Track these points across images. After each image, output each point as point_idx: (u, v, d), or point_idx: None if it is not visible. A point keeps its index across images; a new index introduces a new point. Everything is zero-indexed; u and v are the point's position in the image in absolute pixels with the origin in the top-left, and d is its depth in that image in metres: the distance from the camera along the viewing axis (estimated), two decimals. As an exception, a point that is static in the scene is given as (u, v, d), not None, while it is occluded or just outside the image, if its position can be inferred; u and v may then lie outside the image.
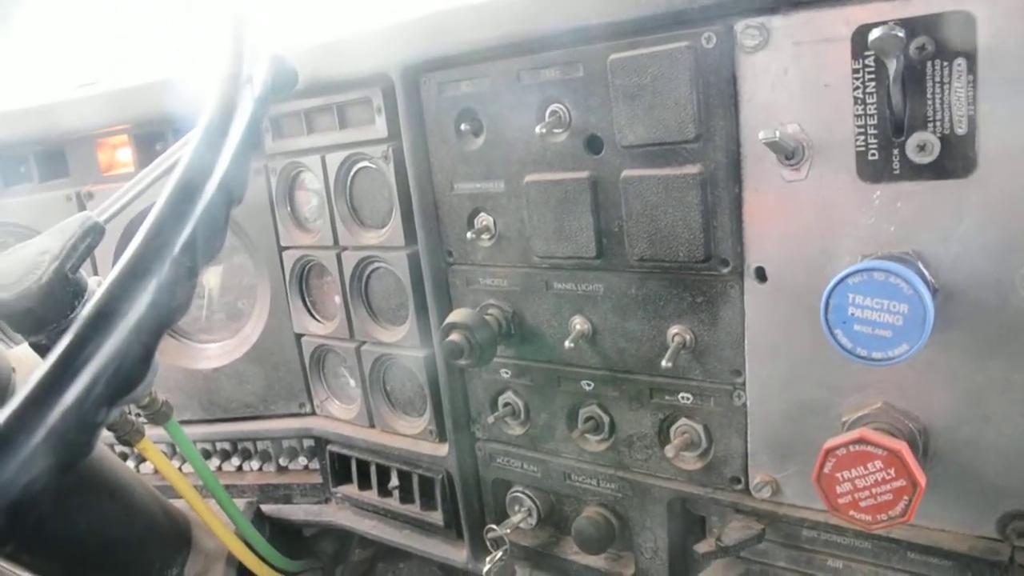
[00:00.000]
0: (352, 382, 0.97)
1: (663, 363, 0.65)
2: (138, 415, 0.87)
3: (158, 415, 0.85)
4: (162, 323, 0.35)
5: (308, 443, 1.03)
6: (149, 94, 0.95)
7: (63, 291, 0.60)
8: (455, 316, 0.74)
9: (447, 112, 0.75)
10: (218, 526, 0.88)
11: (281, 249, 0.95)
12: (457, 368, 0.82)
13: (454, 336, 0.72)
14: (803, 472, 0.64)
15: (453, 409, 0.84)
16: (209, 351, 1.02)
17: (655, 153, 0.63)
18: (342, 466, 1.00)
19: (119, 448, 1.05)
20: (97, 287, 0.64)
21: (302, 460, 1.04)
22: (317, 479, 1.04)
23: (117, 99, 0.97)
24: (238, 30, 0.50)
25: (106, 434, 0.86)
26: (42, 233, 0.64)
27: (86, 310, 0.34)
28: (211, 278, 1.04)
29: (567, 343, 0.71)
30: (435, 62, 0.74)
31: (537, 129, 0.66)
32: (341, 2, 0.90)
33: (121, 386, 0.33)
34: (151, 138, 1.00)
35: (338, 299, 0.94)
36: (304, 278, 0.95)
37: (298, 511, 1.04)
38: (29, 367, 0.66)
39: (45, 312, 0.59)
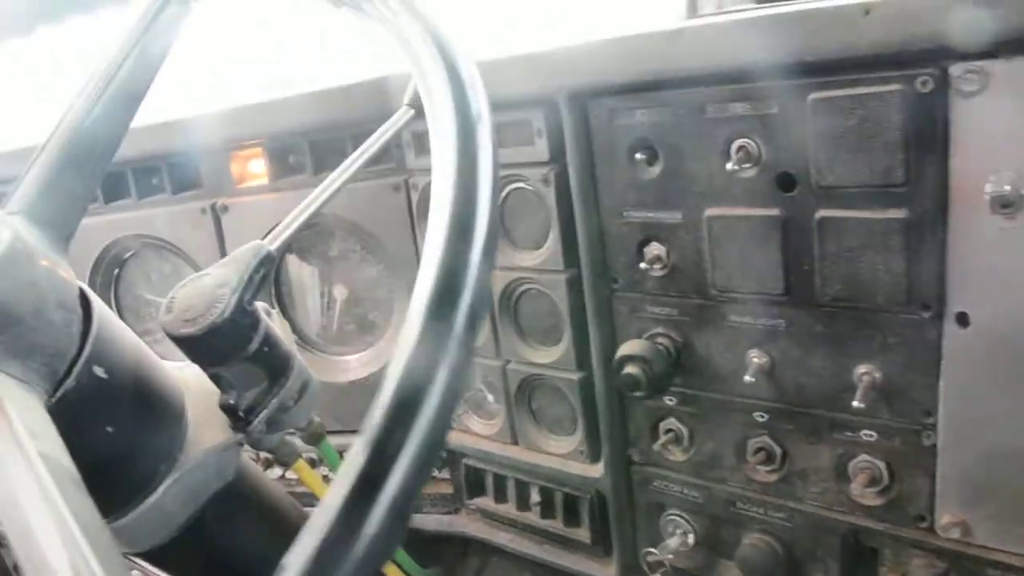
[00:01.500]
0: (490, 397, 1.01)
1: (855, 403, 0.68)
2: (292, 434, 0.91)
3: (314, 436, 0.89)
4: (453, 408, 0.37)
5: (439, 453, 1.07)
6: (287, 108, 0.99)
7: (243, 323, 0.63)
8: (630, 348, 0.77)
9: (619, 140, 0.77)
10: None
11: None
12: (619, 394, 0.85)
13: (631, 369, 0.76)
14: (999, 515, 0.66)
15: (610, 432, 0.87)
16: (345, 363, 1.07)
17: (856, 195, 0.65)
18: (476, 479, 1.05)
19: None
20: (265, 315, 0.67)
21: (434, 471, 1.08)
22: (447, 489, 1.09)
23: (255, 113, 1.01)
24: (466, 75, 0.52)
25: (261, 454, 0.91)
26: (218, 263, 0.67)
27: (384, 399, 0.36)
28: (340, 289, 1.08)
29: (747, 377, 0.74)
30: (608, 88, 0.76)
31: (729, 166, 0.69)
32: (501, 23, 0.92)
33: (425, 476, 0.35)
34: (284, 151, 1.04)
35: (479, 315, 0.97)
36: (444, 294, 0.99)
37: (430, 521, 1.09)
38: (199, 392, 0.69)
39: (227, 345, 0.63)
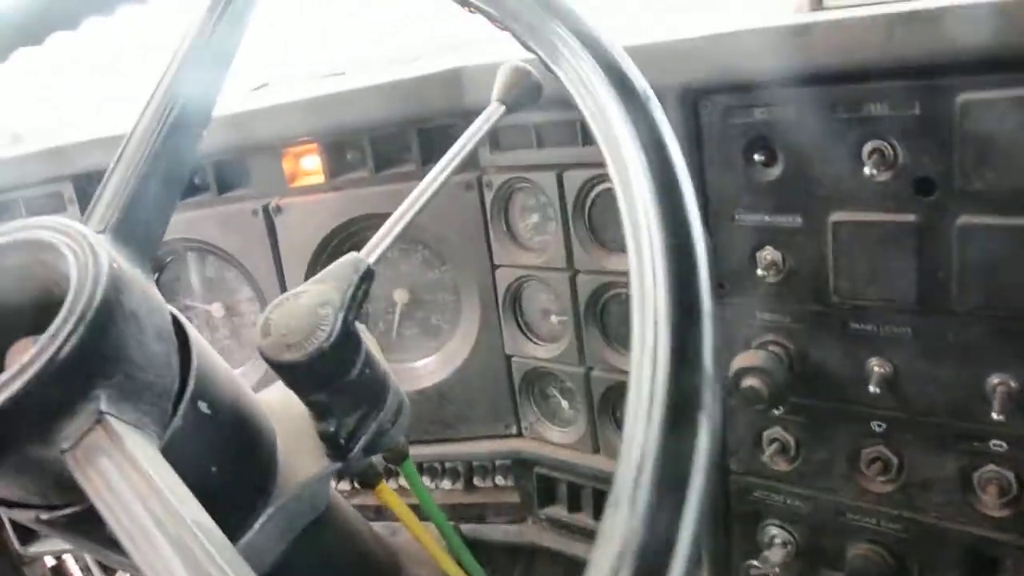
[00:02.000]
0: (565, 404, 0.99)
1: (995, 415, 0.66)
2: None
3: (398, 455, 0.86)
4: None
5: (502, 462, 1.05)
6: (346, 103, 0.94)
7: (348, 346, 0.60)
8: (748, 360, 0.75)
9: (733, 139, 0.74)
10: (449, 565, 0.90)
11: (494, 267, 0.95)
12: (720, 403, 0.83)
13: (752, 381, 0.74)
14: None
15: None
16: (410, 371, 1.03)
17: (1005, 200, 0.63)
18: (547, 488, 1.03)
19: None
20: (363, 335, 0.63)
21: (498, 480, 1.06)
22: (513, 498, 1.06)
23: (310, 108, 0.96)
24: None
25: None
26: (313, 279, 0.63)
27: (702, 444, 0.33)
28: (400, 293, 1.04)
29: (872, 388, 0.72)
30: (723, 85, 0.74)
31: (867, 170, 0.66)
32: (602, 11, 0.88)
33: None
34: (341, 147, 0.99)
35: (555, 319, 0.95)
36: (517, 297, 0.96)
37: (497, 531, 1.07)
38: (286, 418, 0.65)
39: (332, 370, 0.60)
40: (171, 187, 0.64)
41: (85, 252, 0.48)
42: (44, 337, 0.42)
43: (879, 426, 0.76)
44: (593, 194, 0.86)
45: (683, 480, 0.32)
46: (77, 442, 0.45)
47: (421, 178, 0.95)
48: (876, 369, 0.73)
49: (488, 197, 0.93)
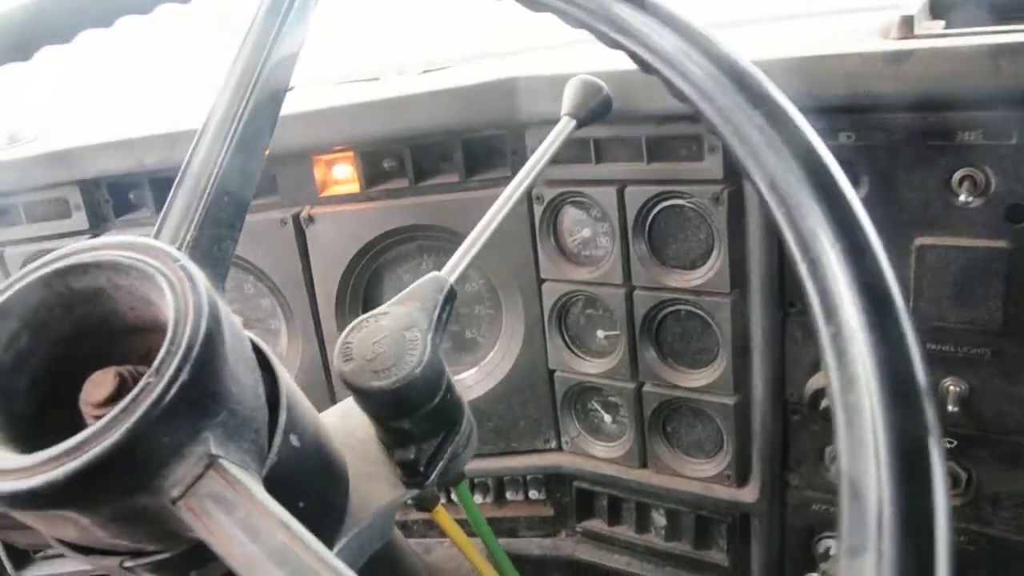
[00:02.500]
0: (608, 419, 0.98)
1: (1077, 435, 0.69)
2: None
3: (457, 477, 0.84)
4: None
5: (534, 476, 1.04)
6: (387, 110, 0.92)
7: (435, 371, 0.58)
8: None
9: (815, 162, 0.75)
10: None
11: (540, 281, 0.94)
12: (781, 418, 0.84)
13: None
14: None
15: (767, 457, 0.86)
16: (448, 386, 1.01)
17: (1098, 229, 0.65)
18: (584, 501, 1.02)
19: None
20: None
21: (532, 493, 1.05)
22: (546, 512, 1.06)
23: (348, 115, 0.93)
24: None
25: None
26: (394, 301, 0.61)
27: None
28: (434, 304, 1.01)
29: (950, 407, 0.74)
30: (806, 108, 0.74)
31: (962, 198, 0.68)
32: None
33: None
34: (378, 156, 0.96)
35: (602, 334, 0.94)
36: (564, 312, 0.95)
37: (530, 545, 1.06)
38: (351, 444, 0.64)
39: (420, 397, 0.58)
40: (242, 200, 0.62)
41: (180, 277, 0.46)
42: (148, 375, 0.40)
43: (950, 443, 0.78)
44: (655, 211, 0.85)
45: (929, 522, 0.32)
46: (188, 489, 0.42)
47: (464, 190, 0.95)
48: (951, 388, 0.75)
49: (538, 211, 0.91)
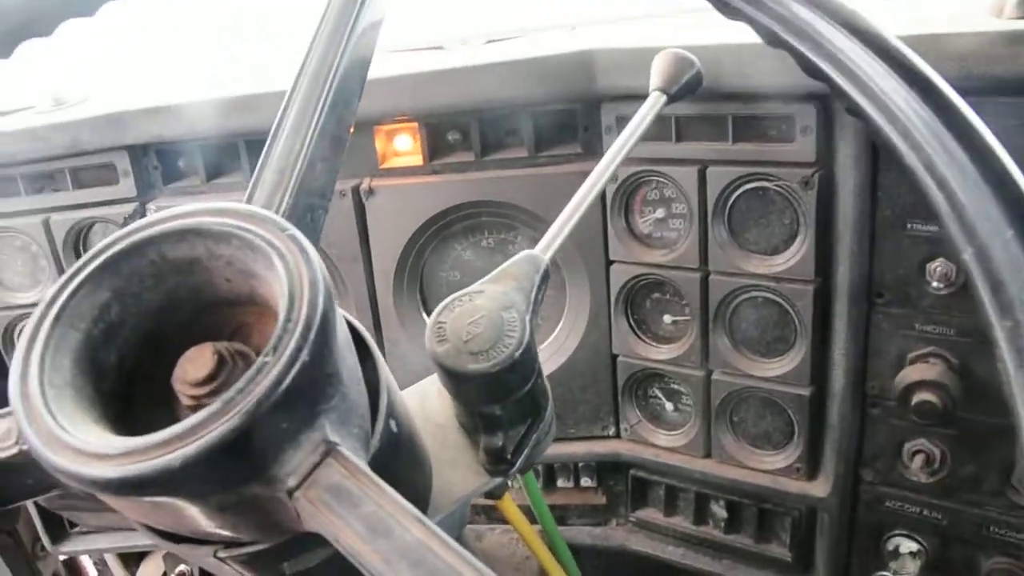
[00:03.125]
0: (669, 406, 0.96)
1: None
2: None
3: (528, 465, 0.82)
4: None
5: (587, 463, 1.03)
6: (458, 80, 0.89)
7: (531, 354, 0.56)
8: (919, 373, 0.74)
9: (916, 147, 0.72)
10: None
11: (608, 263, 0.91)
12: (859, 412, 0.82)
13: (928, 396, 0.73)
14: None
15: (841, 450, 0.85)
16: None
17: None
18: (639, 490, 1.01)
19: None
20: None
21: (584, 480, 1.03)
22: (598, 500, 1.04)
23: (413, 84, 0.90)
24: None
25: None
26: (488, 279, 0.59)
27: None
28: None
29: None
30: (910, 91, 0.71)
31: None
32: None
33: None
34: (442, 127, 0.93)
35: (669, 319, 0.92)
36: (632, 295, 0.93)
37: (581, 534, 1.04)
38: (429, 429, 0.62)
39: (515, 382, 0.56)
40: (333, 167, 0.61)
41: (292, 249, 0.44)
42: (265, 353, 0.38)
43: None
44: (737, 193, 0.82)
45: None
46: (306, 479, 0.40)
47: (532, 165, 0.92)
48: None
49: (610, 190, 0.89)
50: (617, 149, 0.71)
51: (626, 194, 0.90)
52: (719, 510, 0.96)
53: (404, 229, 0.94)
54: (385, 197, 0.94)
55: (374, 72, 0.93)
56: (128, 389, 0.47)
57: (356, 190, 0.94)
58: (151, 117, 0.95)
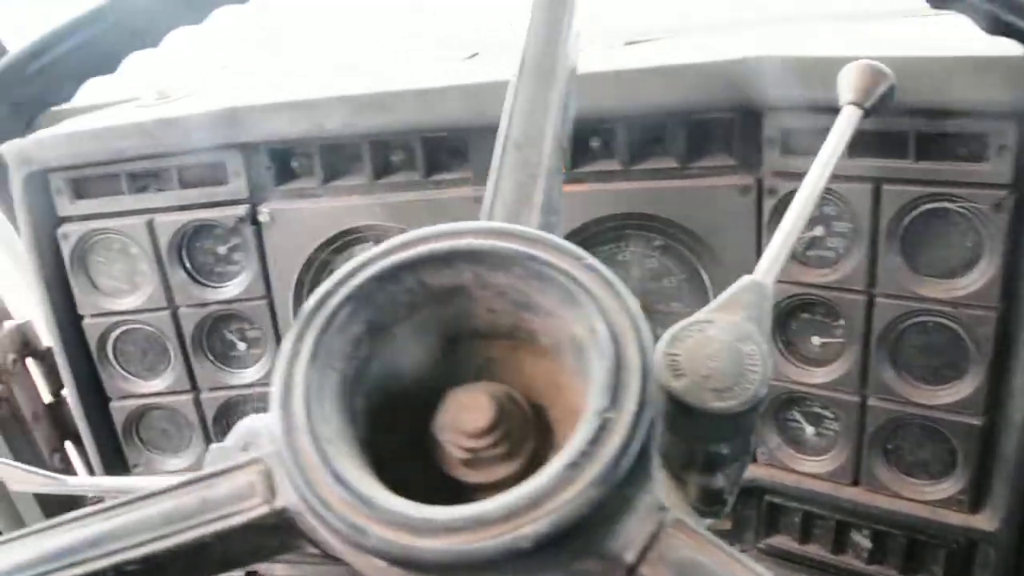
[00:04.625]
0: (810, 430, 0.94)
1: None
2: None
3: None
4: None
5: (711, 485, 1.00)
6: (604, 84, 0.86)
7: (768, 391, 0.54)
8: None
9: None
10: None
11: (756, 281, 0.89)
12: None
13: None
14: None
15: (1018, 484, 0.83)
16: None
17: None
18: (771, 516, 0.99)
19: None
20: None
21: (709, 504, 1.01)
22: (722, 525, 1.02)
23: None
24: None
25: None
26: (714, 307, 0.57)
27: None
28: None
29: None
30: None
31: None
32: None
33: None
34: (585, 132, 0.91)
35: (818, 340, 0.90)
36: (784, 315, 0.90)
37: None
38: None
39: (753, 418, 0.54)
40: (561, 180, 0.58)
41: (598, 283, 0.42)
42: (605, 409, 0.36)
43: None
44: (915, 213, 0.80)
45: None
46: (646, 551, 0.38)
47: (682, 177, 0.89)
48: None
49: (768, 204, 0.87)
50: (822, 167, 0.69)
51: (784, 209, 0.87)
52: (862, 540, 0.95)
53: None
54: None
55: (511, 72, 0.90)
56: (372, 436, 0.44)
57: (494, 197, 0.91)
58: (270, 114, 0.92)
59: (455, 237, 0.45)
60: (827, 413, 0.92)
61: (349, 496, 0.36)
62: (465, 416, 0.43)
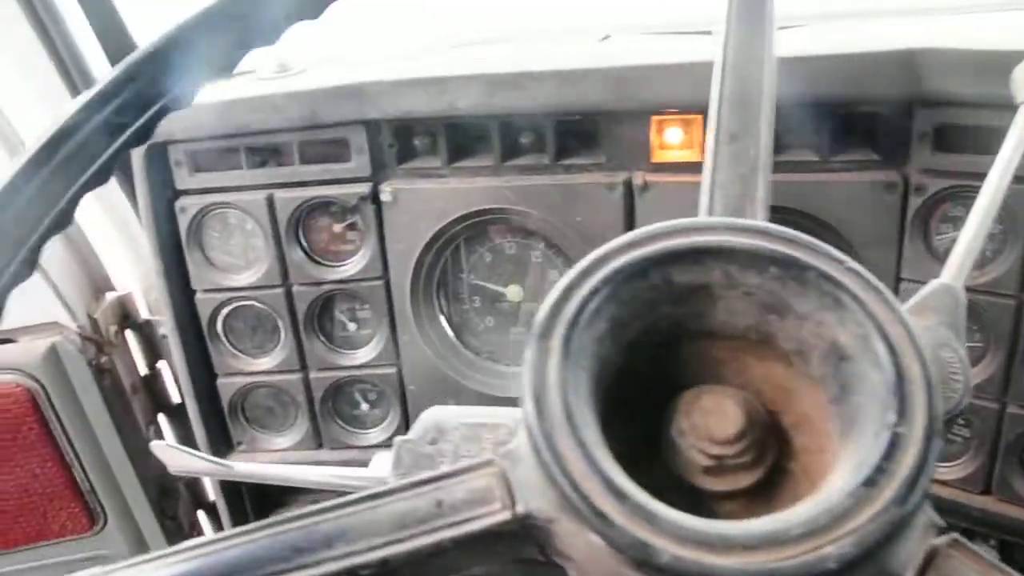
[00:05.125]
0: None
1: None
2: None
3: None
4: None
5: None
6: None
7: None
8: None
9: None
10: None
11: (898, 281, 0.87)
12: None
13: None
14: None
15: None
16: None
17: None
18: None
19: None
20: None
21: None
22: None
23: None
24: None
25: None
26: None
27: None
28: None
29: None
30: None
31: None
32: None
33: None
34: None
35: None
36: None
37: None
38: None
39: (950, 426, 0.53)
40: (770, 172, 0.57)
41: (862, 287, 0.41)
42: (896, 424, 0.35)
43: None
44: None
45: None
46: (925, 569, 0.37)
47: (824, 170, 0.87)
48: None
49: (914, 202, 0.84)
50: (1005, 164, 0.66)
51: (930, 207, 0.85)
52: (988, 550, 0.93)
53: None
54: (658, 195, 0.89)
55: (652, 56, 0.88)
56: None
57: (628, 184, 0.89)
58: (400, 90, 0.89)
59: (704, 233, 0.44)
60: (959, 419, 0.91)
61: (628, 509, 0.35)
62: (713, 421, 0.42)
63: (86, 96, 0.47)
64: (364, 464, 1.04)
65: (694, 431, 0.42)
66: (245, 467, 0.58)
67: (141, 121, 0.49)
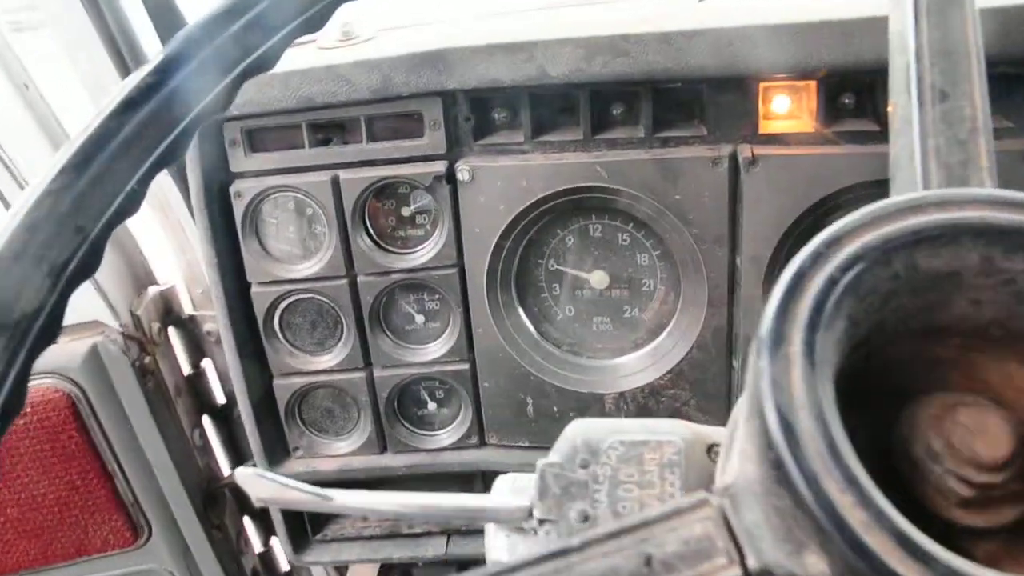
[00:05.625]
0: None
1: None
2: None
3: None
4: None
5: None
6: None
7: None
8: None
9: None
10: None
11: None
12: None
13: None
14: None
15: None
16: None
17: None
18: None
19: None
20: None
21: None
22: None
23: (834, 33, 0.76)
24: None
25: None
26: None
27: None
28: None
29: None
30: None
31: None
32: None
33: None
34: (840, 87, 0.80)
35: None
36: None
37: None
38: None
39: None
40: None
41: None
42: None
43: None
44: None
45: None
46: None
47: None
48: None
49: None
50: None
51: None
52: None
53: (788, 208, 0.81)
54: (768, 169, 0.81)
55: (764, 16, 0.80)
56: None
57: (733, 157, 0.81)
58: (485, 57, 0.81)
59: (961, 207, 0.36)
60: None
61: (920, 566, 0.28)
62: (979, 442, 0.34)
63: (158, 59, 0.39)
64: (433, 468, 0.97)
65: (953, 454, 0.34)
66: (350, 497, 0.50)
67: (223, 84, 0.41)
